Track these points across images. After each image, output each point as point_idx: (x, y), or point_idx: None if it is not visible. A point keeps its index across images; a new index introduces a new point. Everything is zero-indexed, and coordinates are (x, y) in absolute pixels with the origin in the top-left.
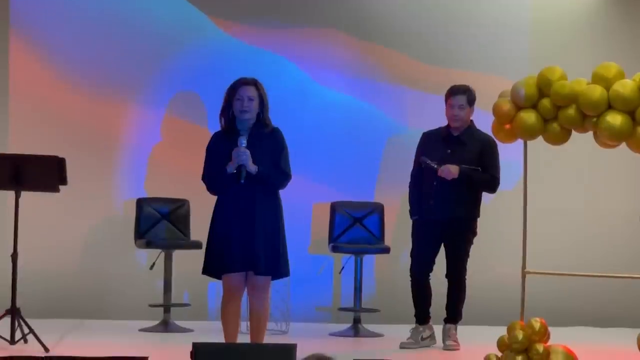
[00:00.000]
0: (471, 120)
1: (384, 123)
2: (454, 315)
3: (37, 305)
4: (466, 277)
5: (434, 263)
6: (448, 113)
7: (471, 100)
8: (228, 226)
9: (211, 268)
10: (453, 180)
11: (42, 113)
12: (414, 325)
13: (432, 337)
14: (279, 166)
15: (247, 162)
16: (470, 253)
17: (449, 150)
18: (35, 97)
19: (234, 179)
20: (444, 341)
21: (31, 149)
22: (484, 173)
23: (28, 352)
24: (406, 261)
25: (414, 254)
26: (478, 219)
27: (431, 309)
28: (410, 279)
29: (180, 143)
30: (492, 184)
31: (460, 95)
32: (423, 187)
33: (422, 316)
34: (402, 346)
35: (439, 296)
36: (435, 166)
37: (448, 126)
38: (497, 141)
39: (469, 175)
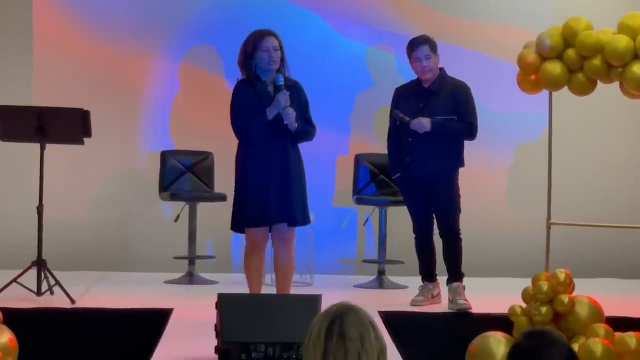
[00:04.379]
0: (441, 69)
1: (408, 75)
2: (457, 273)
3: (63, 258)
4: (460, 232)
5: (432, 218)
6: (416, 68)
7: (434, 48)
8: (264, 179)
9: (243, 221)
10: (427, 133)
11: (65, 66)
12: (422, 283)
13: (439, 295)
14: (309, 120)
15: (292, 120)
16: (495, 204)
17: (421, 104)
18: (58, 51)
19: (272, 126)
20: (454, 301)
21: (54, 102)
22: (459, 122)
23: (54, 303)
24: None
25: (410, 213)
26: (460, 169)
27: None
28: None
29: (207, 96)
30: (469, 132)
31: (423, 45)
32: (401, 144)
33: (431, 274)
34: (413, 303)
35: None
36: (407, 119)
37: (418, 79)
38: (469, 86)
39: (443, 126)
